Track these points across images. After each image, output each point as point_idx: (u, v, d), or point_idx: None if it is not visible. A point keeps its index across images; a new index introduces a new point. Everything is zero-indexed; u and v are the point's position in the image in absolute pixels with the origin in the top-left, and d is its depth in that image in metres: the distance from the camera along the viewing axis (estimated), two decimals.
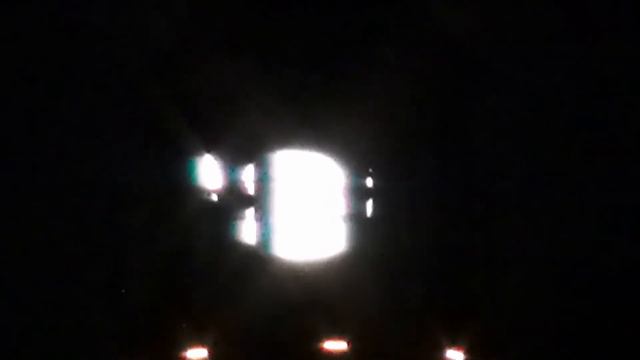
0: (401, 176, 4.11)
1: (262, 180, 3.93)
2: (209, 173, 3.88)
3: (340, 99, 3.97)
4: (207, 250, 3.87)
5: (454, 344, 3.85)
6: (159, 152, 3.81)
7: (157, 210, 3.83)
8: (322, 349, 3.85)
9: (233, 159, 3.93)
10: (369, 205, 4.04)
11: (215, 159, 3.85)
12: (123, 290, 3.69)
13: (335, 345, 3.88)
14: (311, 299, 3.94)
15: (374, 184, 4.05)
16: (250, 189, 3.92)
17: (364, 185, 4.06)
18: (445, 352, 3.88)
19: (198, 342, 3.75)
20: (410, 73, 3.94)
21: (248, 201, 3.91)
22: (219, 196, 3.83)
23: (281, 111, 3.93)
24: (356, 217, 4.04)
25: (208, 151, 3.81)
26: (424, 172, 4.11)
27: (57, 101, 3.66)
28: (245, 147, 3.97)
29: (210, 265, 3.87)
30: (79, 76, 3.69)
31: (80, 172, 3.78)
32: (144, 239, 3.80)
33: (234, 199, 3.90)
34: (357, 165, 4.09)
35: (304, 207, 4.14)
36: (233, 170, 3.85)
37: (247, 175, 3.95)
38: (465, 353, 3.87)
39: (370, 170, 4.05)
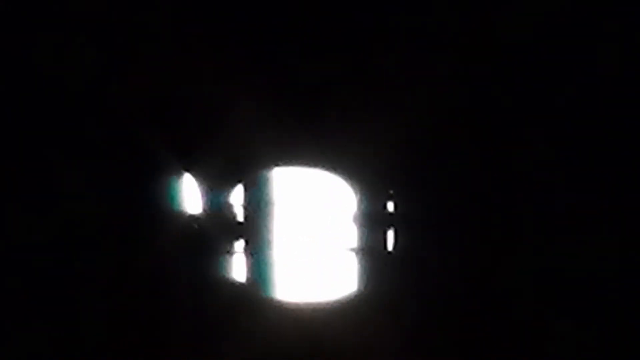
0: (429, 199, 3.21)
1: (254, 204, 3.08)
2: (189, 196, 3.01)
3: (351, 101, 3.11)
4: (186, 291, 3.03)
5: None
6: (126, 171, 2.97)
7: (124, 242, 3.01)
8: None
9: (218, 179, 3.08)
10: (389, 236, 3.15)
11: (196, 179, 3.01)
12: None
13: None
14: (316, 352, 3.15)
15: (395, 209, 3.16)
16: (239, 215, 3.07)
17: (383, 210, 3.15)
18: None
19: None
20: (439, 73, 3.07)
21: (237, 231, 3.06)
22: (200, 224, 2.98)
23: (277, 119, 3.08)
24: (373, 251, 3.18)
25: (187, 169, 2.94)
26: (457, 194, 3.25)
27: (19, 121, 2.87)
28: (232, 164, 3.12)
29: (190, 310, 3.05)
30: (42, 85, 2.88)
31: (37, 194, 2.98)
32: (108, 276, 2.99)
33: (220, 228, 3.05)
34: (374, 185, 3.21)
35: (307, 238, 3.31)
36: (217, 193, 2.99)
37: (236, 199, 3.11)
38: None
39: (391, 192, 3.18)
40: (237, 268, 3.10)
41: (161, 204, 3.18)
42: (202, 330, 3.13)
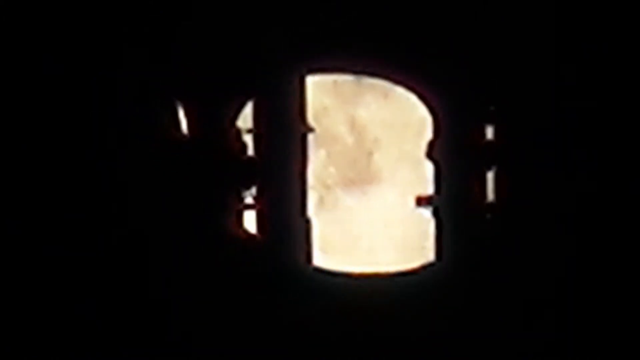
0: (552, 120, 2.12)
1: (274, 131, 1.92)
2: (178, 119, 1.94)
3: None
4: (174, 251, 2.07)
5: None
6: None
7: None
8: None
9: (218, 94, 1.93)
10: (489, 178, 2.08)
11: (185, 93, 1.94)
12: None
13: None
14: (363, 344, 2.13)
15: (498, 137, 1.95)
16: (249, 148, 1.94)
17: (479, 138, 1.99)
18: None
19: None
20: None
21: (247, 166, 1.97)
22: (193, 161, 1.91)
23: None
24: (462, 201, 2.13)
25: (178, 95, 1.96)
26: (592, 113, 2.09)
27: None
28: (240, 70, 1.97)
29: (178, 275, 2.08)
30: None
31: None
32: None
33: (221, 167, 1.91)
34: (464, 99, 2.05)
35: (358, 182, 2.13)
36: (217, 116, 1.88)
37: (245, 123, 1.97)
38: None
39: (492, 108, 1.96)
40: (249, 221, 2.02)
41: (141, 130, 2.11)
42: (203, 307, 2.13)
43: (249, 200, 2.13)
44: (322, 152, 2.41)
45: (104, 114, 2.13)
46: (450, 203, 2.14)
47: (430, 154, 2.14)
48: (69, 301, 2.18)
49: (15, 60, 2.13)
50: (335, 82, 2.38)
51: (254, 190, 2.10)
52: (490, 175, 2.12)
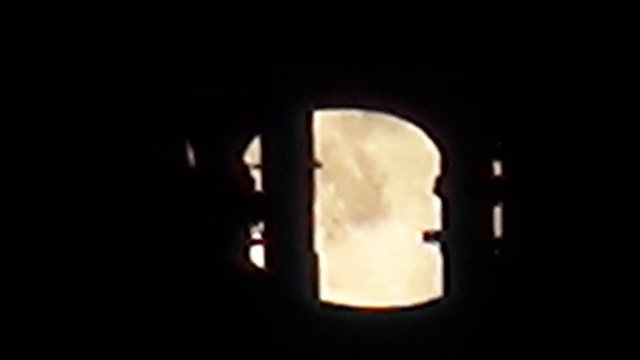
0: (560, 156, 2.10)
1: (281, 166, 1.94)
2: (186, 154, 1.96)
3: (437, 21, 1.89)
4: (182, 286, 2.05)
5: None
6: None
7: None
8: None
9: (223, 128, 1.99)
10: (496, 214, 2.08)
11: (190, 127, 1.97)
12: None
13: None
14: None
15: (506, 173, 1.92)
16: (257, 183, 1.94)
17: (485, 174, 1.97)
18: None
19: None
20: None
21: (254, 201, 1.96)
22: (199, 196, 1.94)
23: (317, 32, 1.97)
24: (469, 237, 2.08)
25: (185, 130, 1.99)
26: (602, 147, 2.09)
27: None
28: (246, 105, 2.01)
29: (185, 309, 2.06)
30: None
31: None
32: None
33: (229, 202, 1.94)
34: (470, 135, 2.02)
35: (366, 217, 2.13)
36: (223, 149, 1.92)
37: (252, 158, 1.99)
38: None
39: (499, 144, 1.99)
40: (256, 256, 2.02)
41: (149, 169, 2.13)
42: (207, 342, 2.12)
43: (256, 235, 2.13)
44: (331, 187, 2.42)
45: (113, 148, 2.15)
46: (457, 238, 2.13)
47: (437, 190, 2.13)
48: (73, 327, 2.17)
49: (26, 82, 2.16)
50: (343, 116, 2.39)
51: (261, 225, 2.10)
52: (497, 211, 2.11)
